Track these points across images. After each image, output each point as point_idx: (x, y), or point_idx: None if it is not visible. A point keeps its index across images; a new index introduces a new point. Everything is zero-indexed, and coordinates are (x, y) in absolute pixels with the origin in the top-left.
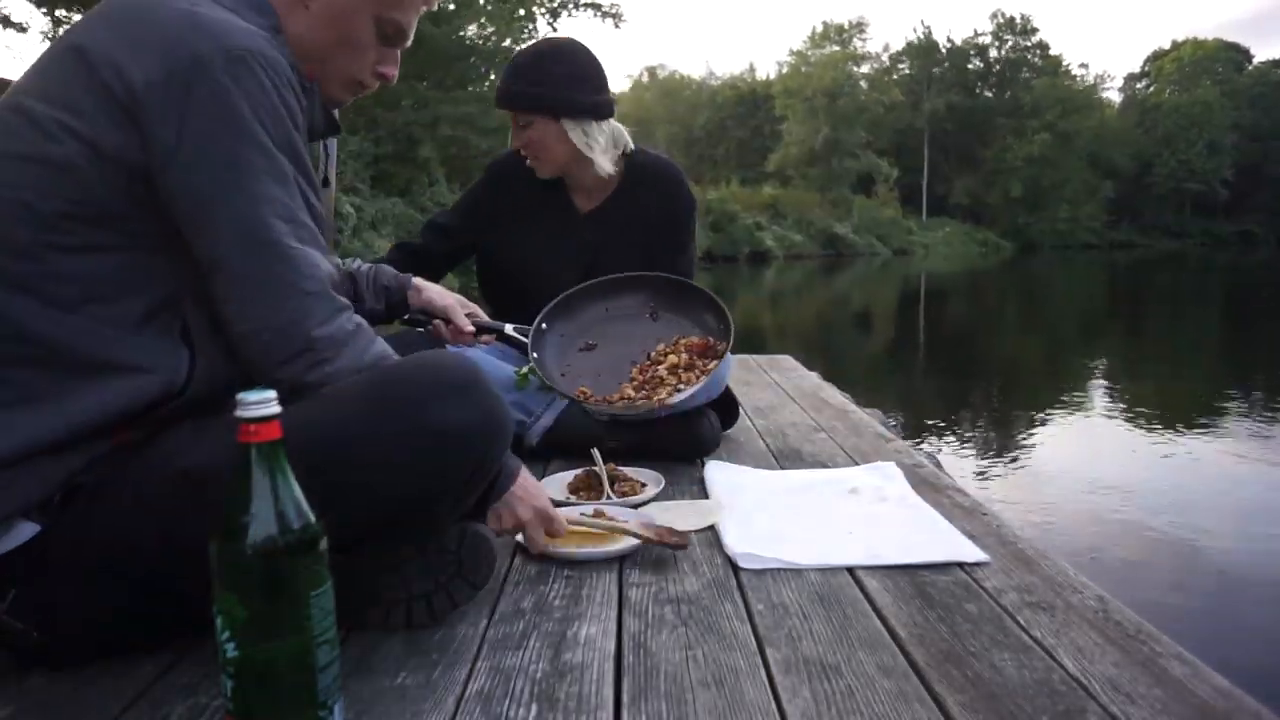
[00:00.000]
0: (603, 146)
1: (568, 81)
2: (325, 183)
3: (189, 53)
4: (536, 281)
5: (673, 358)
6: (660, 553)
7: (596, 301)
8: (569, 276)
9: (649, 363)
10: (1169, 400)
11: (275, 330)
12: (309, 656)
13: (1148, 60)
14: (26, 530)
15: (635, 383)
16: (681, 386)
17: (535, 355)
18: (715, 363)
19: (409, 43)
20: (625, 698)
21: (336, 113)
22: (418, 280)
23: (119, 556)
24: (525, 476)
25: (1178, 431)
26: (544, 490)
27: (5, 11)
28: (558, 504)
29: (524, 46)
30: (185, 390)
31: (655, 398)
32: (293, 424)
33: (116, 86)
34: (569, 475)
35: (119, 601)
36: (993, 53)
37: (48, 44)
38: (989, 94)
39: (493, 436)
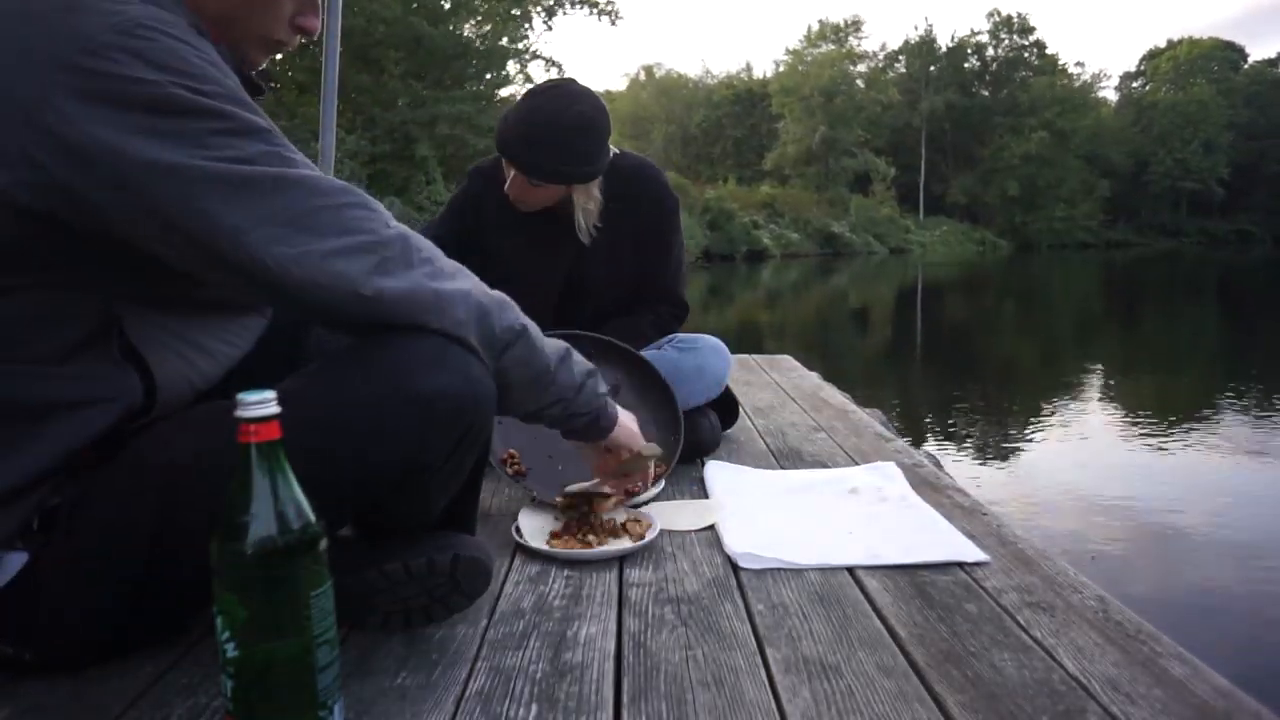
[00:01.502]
0: (596, 205)
1: (590, 156)
2: None
3: (76, 46)
4: (522, 286)
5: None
6: (660, 553)
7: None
8: (554, 280)
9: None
10: (1168, 398)
11: (340, 253)
12: (309, 656)
13: (1143, 59)
14: (16, 561)
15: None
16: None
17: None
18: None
19: None
20: (625, 698)
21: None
22: None
23: (111, 563)
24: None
25: (1178, 430)
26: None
27: None
28: (553, 505)
29: (542, 101)
30: (152, 406)
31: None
32: (283, 396)
33: (14, 111)
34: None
35: (115, 609)
36: (989, 52)
37: None
38: (986, 93)
39: (479, 400)
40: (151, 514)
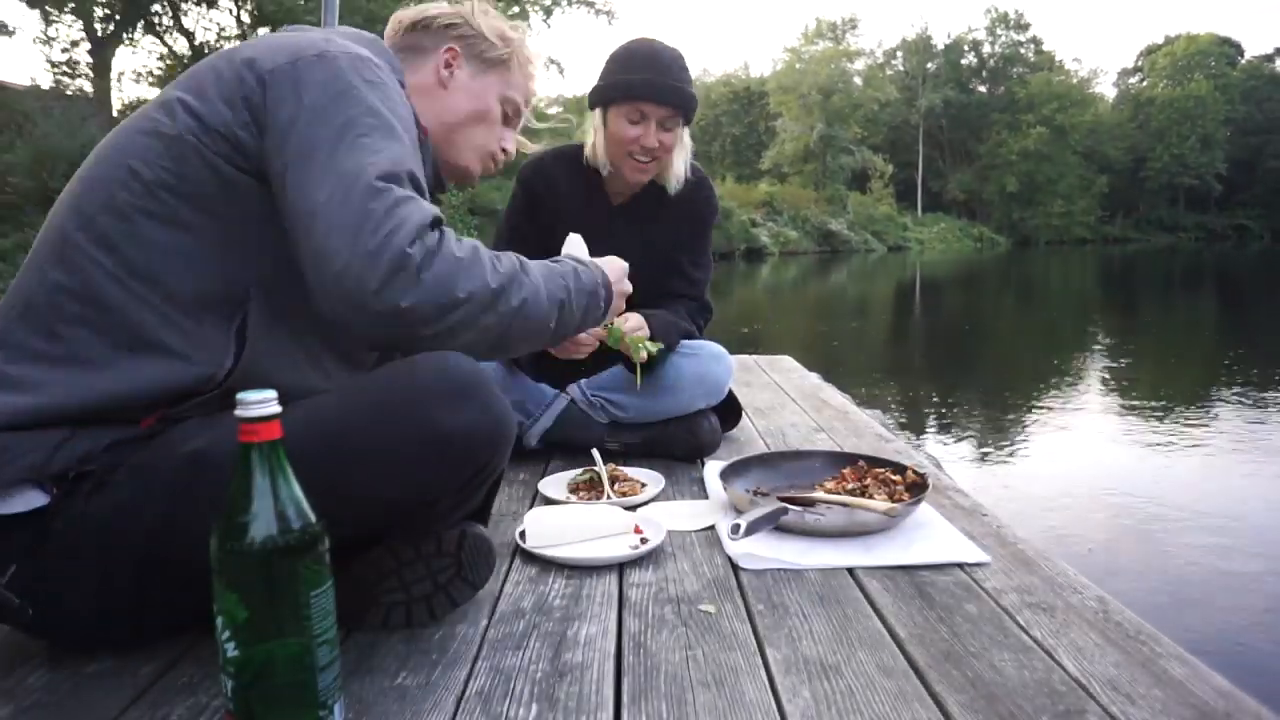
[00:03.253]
0: (688, 154)
1: (692, 85)
2: None
3: (315, 49)
4: None
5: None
6: (660, 553)
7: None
8: None
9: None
10: (1169, 396)
11: (368, 255)
12: (309, 656)
13: (1141, 54)
14: (34, 499)
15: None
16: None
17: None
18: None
19: (520, 124)
20: (625, 698)
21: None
22: None
23: (120, 537)
24: (609, 268)
25: (1179, 428)
26: (618, 265)
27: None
28: (557, 503)
29: (634, 41)
30: (223, 384)
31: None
32: (297, 424)
33: (245, 73)
34: (569, 475)
35: (117, 583)
36: (987, 48)
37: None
38: (983, 89)
39: (497, 440)
40: (161, 500)
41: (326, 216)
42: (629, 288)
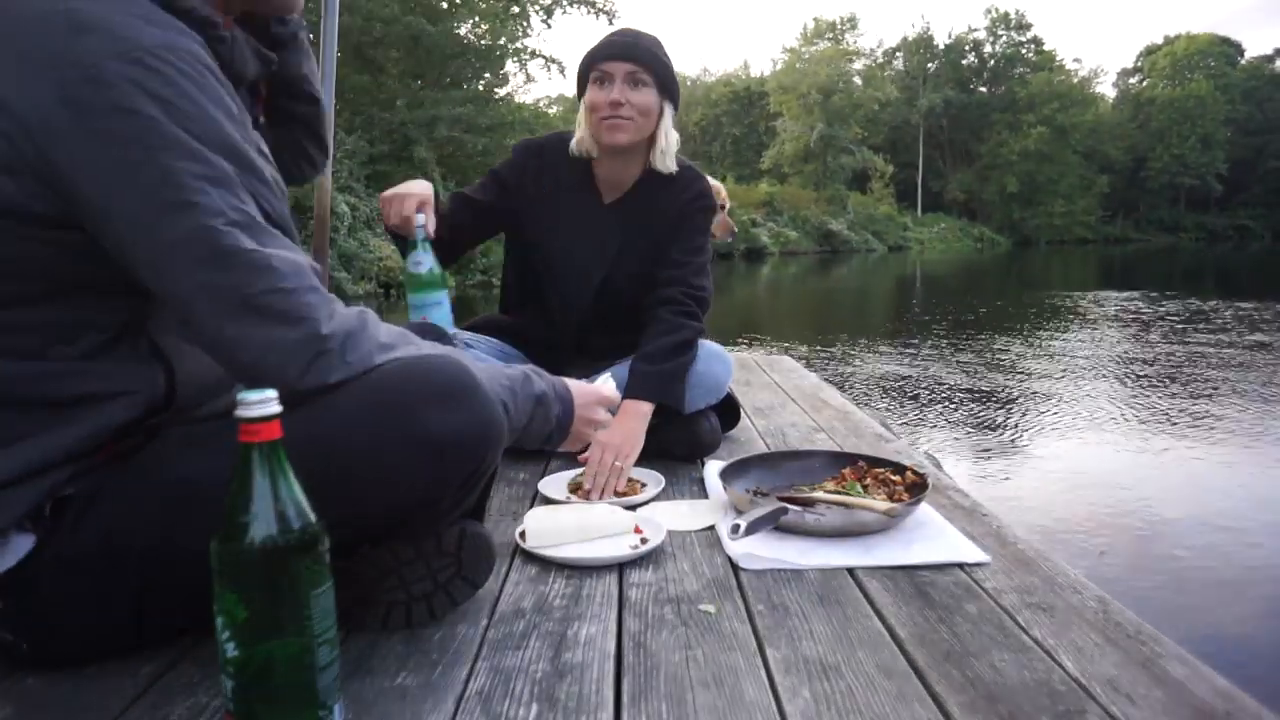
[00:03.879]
0: (675, 144)
1: (673, 69)
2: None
3: (80, 70)
4: (556, 269)
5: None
6: (660, 553)
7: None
8: (589, 268)
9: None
10: (1170, 396)
11: (281, 347)
12: (309, 656)
13: (1141, 55)
14: (23, 545)
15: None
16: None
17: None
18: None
19: None
20: (625, 698)
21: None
22: None
23: (111, 563)
24: (577, 390)
25: (1181, 428)
26: (594, 390)
27: None
28: (557, 503)
29: (618, 29)
30: (170, 402)
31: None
32: (290, 433)
33: (8, 128)
34: (569, 475)
35: (113, 606)
36: (987, 48)
37: None
38: (984, 89)
39: (488, 442)
40: (156, 525)
41: (206, 307)
42: (604, 418)
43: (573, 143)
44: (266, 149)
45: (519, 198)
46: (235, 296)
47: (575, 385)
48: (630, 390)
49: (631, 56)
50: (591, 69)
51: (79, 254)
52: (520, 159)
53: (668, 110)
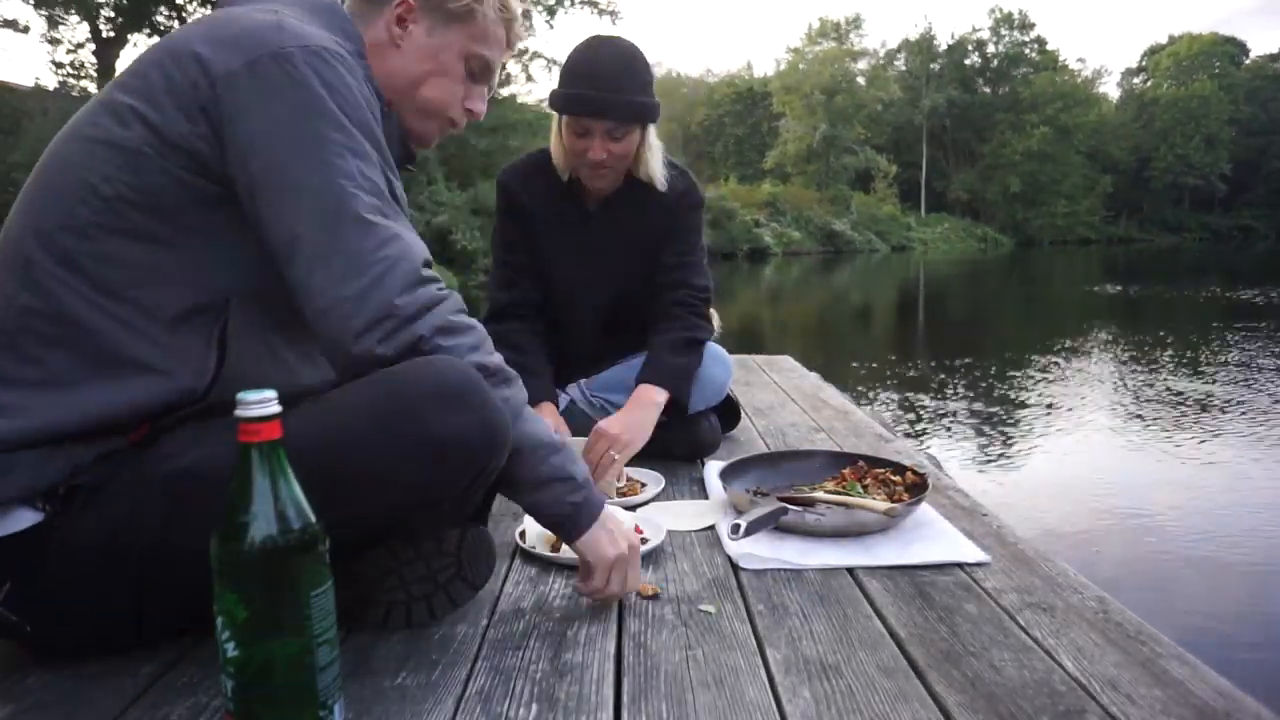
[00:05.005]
0: (659, 153)
1: (651, 85)
2: None
3: (270, 47)
4: (555, 283)
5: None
6: (660, 553)
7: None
8: (582, 276)
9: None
10: (1171, 397)
11: (353, 299)
12: (309, 656)
13: (1145, 54)
14: (27, 518)
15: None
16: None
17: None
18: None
19: (494, 81)
20: (625, 698)
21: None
22: None
23: (115, 553)
24: (610, 513)
25: (1182, 428)
26: (628, 534)
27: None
28: None
29: (581, 46)
30: (205, 396)
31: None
32: (293, 433)
33: (198, 78)
34: None
35: (114, 598)
36: (990, 48)
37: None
38: (987, 89)
39: (493, 444)
40: (158, 516)
41: (308, 248)
42: (622, 548)
43: (555, 162)
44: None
45: (529, 227)
46: (337, 246)
47: (610, 509)
48: (645, 375)
49: (609, 113)
50: (568, 114)
51: (208, 208)
52: (511, 193)
53: (649, 133)
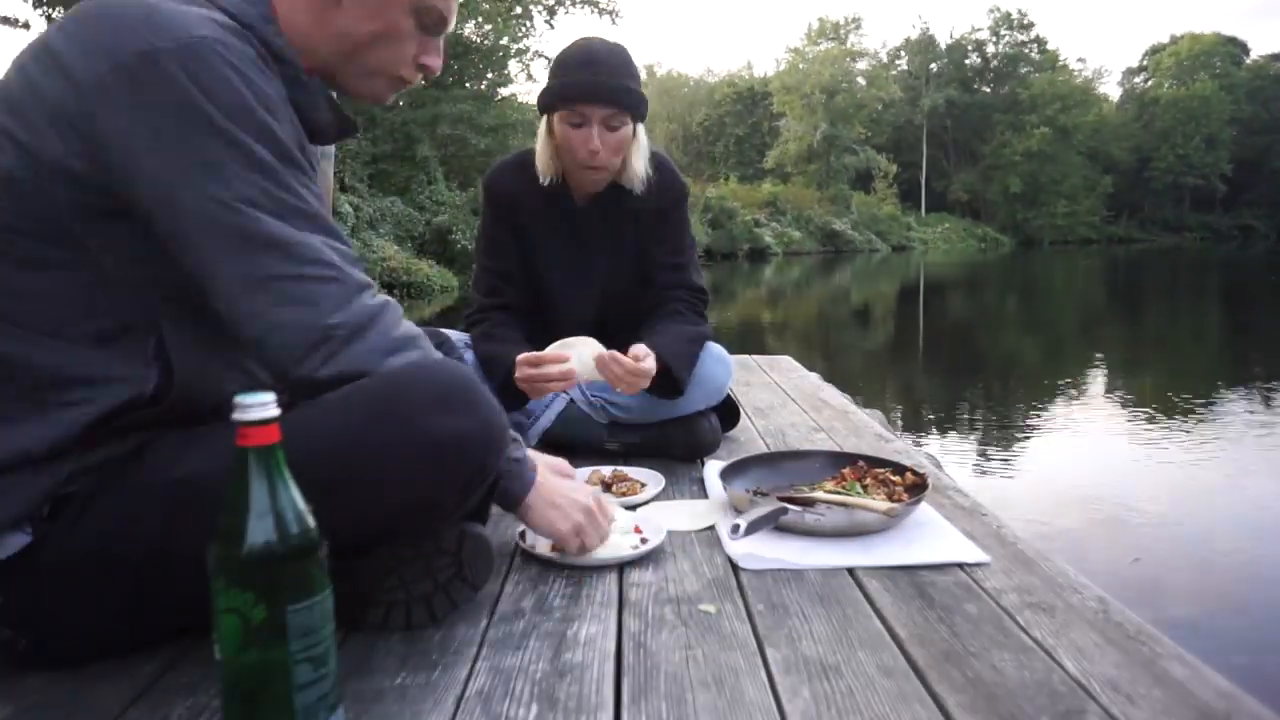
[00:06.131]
0: (645, 153)
1: (639, 81)
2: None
3: (136, 48)
4: (545, 284)
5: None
6: (660, 553)
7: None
8: (572, 275)
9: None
10: (1172, 396)
11: (285, 326)
12: (287, 671)
13: (1145, 54)
14: (16, 541)
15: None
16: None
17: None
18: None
19: (449, 29)
20: (625, 698)
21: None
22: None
23: (109, 566)
24: (544, 479)
25: (1182, 429)
26: (576, 489)
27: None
28: None
29: (571, 44)
30: (157, 400)
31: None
32: (288, 433)
33: (63, 88)
34: (584, 472)
35: (108, 611)
36: (990, 48)
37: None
38: (987, 89)
39: (490, 445)
40: (155, 527)
41: (223, 282)
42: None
43: (539, 165)
44: (318, 185)
45: (515, 229)
46: (251, 272)
47: (554, 481)
48: (650, 344)
49: (608, 99)
50: (565, 105)
51: (103, 225)
52: (497, 194)
53: (639, 131)
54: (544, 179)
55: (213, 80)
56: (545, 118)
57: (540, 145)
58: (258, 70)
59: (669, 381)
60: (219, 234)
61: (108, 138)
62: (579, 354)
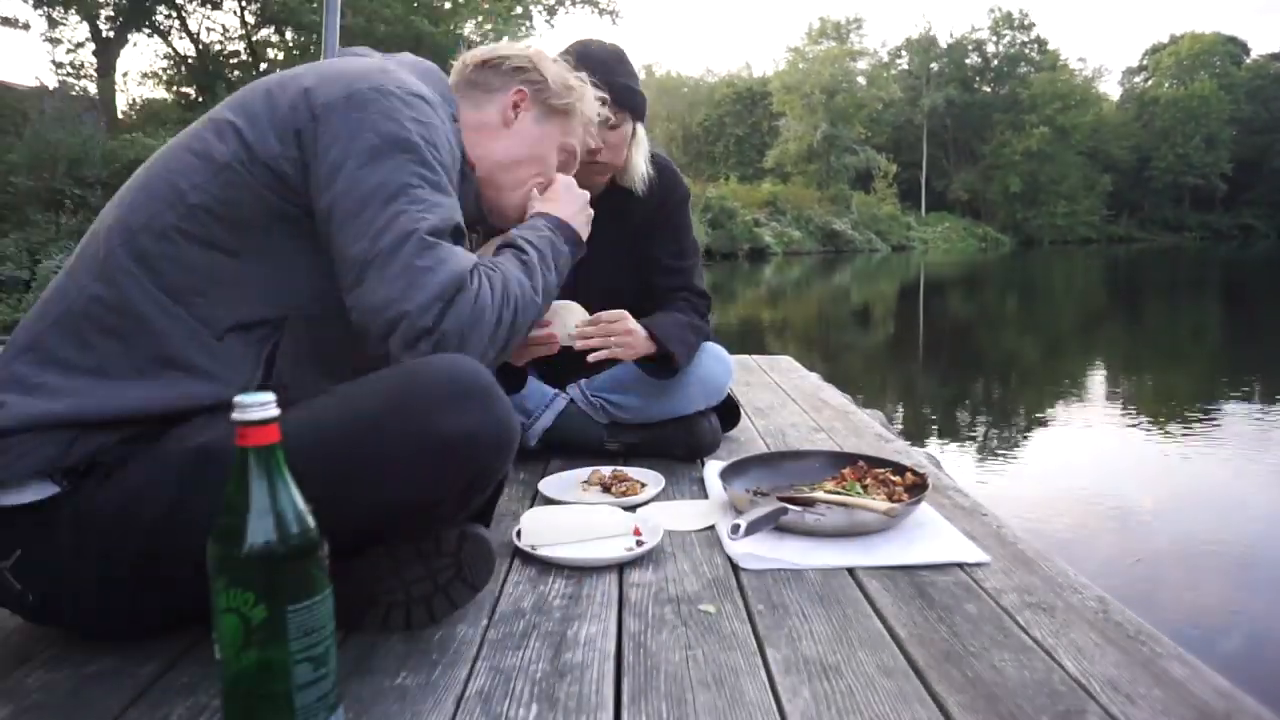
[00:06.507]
0: (646, 153)
1: (638, 81)
2: None
3: (371, 84)
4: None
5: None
6: (660, 553)
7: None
8: (573, 276)
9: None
10: (1172, 396)
11: (394, 301)
12: (287, 671)
13: (1145, 54)
14: (44, 489)
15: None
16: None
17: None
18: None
19: (571, 172)
20: (625, 698)
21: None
22: None
23: (124, 527)
24: (556, 206)
25: (1182, 429)
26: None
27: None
28: (558, 503)
29: (572, 46)
30: None
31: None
32: (301, 423)
33: (299, 104)
34: (570, 475)
35: (117, 571)
36: (990, 48)
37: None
38: (987, 89)
39: (500, 443)
40: (171, 492)
41: (379, 268)
42: (588, 215)
43: None
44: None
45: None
46: (394, 259)
47: (554, 204)
48: (644, 324)
49: (607, 94)
50: None
51: (282, 228)
52: None
53: (639, 130)
54: None
55: (427, 119)
56: None
57: None
58: (454, 134)
59: (663, 359)
60: (387, 227)
61: (328, 146)
62: (561, 319)
